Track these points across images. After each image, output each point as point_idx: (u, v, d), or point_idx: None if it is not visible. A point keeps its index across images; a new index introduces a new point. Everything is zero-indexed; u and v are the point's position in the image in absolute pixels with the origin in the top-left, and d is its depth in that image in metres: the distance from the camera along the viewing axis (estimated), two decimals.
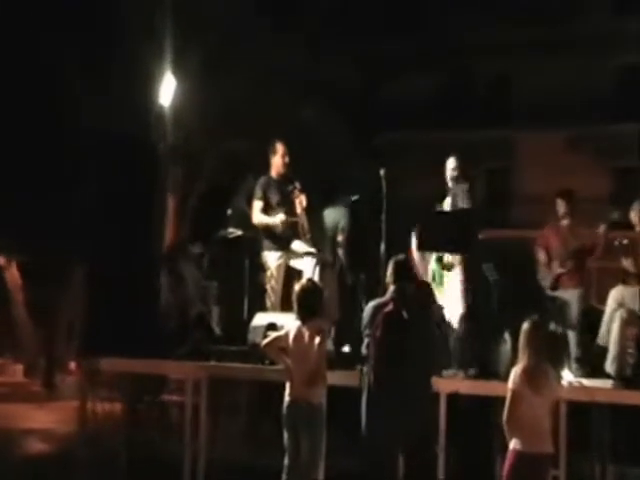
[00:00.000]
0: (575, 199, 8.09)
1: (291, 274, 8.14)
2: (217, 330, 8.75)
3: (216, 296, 8.99)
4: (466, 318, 7.55)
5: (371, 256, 7.47)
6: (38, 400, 10.81)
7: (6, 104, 10.30)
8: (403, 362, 6.03)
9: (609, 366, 7.17)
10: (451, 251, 7.61)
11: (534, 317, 5.81)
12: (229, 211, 9.00)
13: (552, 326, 7.53)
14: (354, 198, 8.64)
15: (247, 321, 7.95)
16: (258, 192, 8.24)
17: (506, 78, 20.65)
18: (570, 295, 7.81)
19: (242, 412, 8.93)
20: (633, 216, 7.61)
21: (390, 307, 6.15)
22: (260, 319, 7.74)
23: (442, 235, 7.43)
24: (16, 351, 13.93)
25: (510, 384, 5.63)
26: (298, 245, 8.21)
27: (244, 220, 8.54)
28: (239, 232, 8.73)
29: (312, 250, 8.15)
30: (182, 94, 9.29)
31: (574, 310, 7.74)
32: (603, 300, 7.63)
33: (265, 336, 6.91)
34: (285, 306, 7.78)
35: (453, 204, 7.90)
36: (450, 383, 6.99)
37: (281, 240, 8.21)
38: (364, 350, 6.28)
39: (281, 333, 6.51)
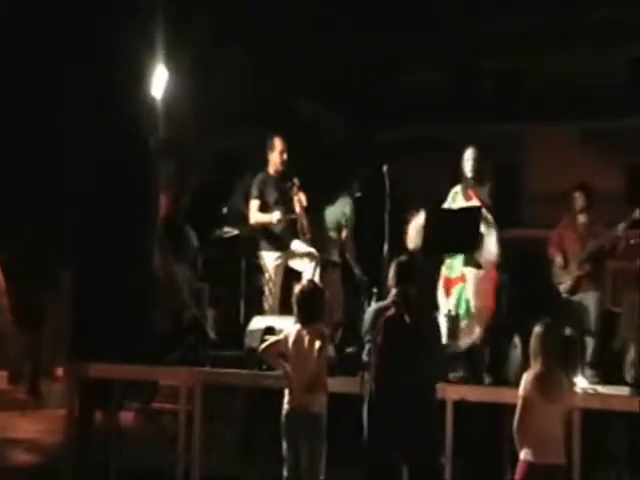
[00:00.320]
0: (594, 193, 7.93)
1: (290, 275, 8.06)
2: (212, 334, 8.63)
3: (211, 298, 8.89)
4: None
5: (375, 256, 7.34)
6: (23, 408, 10.64)
7: None
8: (406, 369, 5.83)
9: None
10: (459, 251, 7.41)
11: (546, 320, 5.61)
12: (225, 209, 8.87)
13: (566, 330, 7.38)
14: (357, 195, 8.56)
15: (244, 325, 7.86)
16: (255, 191, 8.11)
17: (514, 71, 20.53)
18: (587, 298, 7.66)
19: (238, 421, 8.78)
20: None
21: (392, 311, 5.93)
22: (257, 323, 7.63)
23: (449, 234, 7.26)
24: None
25: (521, 391, 5.46)
26: (297, 245, 8.09)
27: (240, 219, 8.42)
28: (235, 231, 8.61)
29: (312, 250, 8.03)
30: (175, 86, 9.18)
31: (592, 314, 7.61)
32: (619, 302, 7.49)
33: (263, 340, 6.82)
34: (284, 309, 7.70)
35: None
36: (457, 390, 6.82)
37: (279, 240, 8.09)
38: (365, 357, 6.07)
39: (280, 337, 6.36)
